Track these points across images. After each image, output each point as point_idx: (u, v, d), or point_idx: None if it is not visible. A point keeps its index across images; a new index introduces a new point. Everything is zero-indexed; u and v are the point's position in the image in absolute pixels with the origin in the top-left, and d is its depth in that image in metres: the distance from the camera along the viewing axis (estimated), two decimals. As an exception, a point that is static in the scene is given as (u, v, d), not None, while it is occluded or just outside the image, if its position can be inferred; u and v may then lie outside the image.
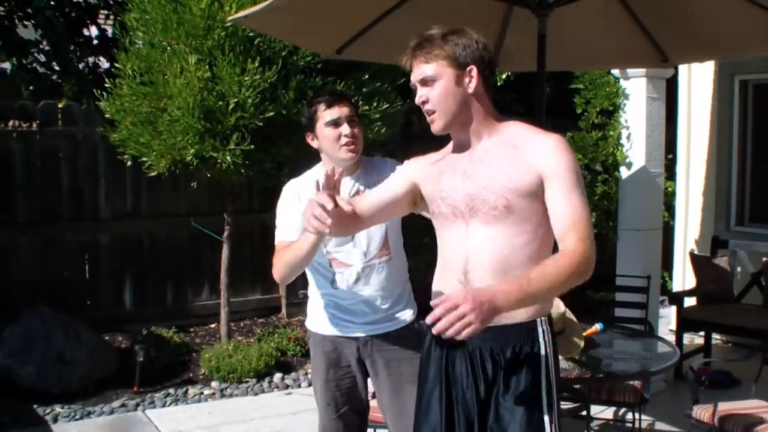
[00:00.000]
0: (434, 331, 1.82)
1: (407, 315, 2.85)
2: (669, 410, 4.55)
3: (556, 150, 2.05)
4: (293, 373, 5.51)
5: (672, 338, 5.21)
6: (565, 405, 3.67)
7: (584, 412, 3.88)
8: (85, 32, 7.42)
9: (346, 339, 2.81)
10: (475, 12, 3.55)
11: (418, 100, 2.15)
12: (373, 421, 3.12)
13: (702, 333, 5.72)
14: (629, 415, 4.36)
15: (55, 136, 5.83)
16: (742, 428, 3.34)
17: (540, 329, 2.14)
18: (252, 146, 4.80)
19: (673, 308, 5.79)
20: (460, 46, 2.09)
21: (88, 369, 5.09)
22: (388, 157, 3.01)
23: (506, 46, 4.08)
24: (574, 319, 3.20)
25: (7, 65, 7.14)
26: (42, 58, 7.12)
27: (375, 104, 5.13)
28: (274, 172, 5.18)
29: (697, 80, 6.36)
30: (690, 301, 5.80)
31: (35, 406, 4.77)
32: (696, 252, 6.10)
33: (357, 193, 2.71)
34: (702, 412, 3.53)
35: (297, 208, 2.48)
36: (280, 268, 2.66)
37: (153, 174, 5.17)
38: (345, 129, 2.70)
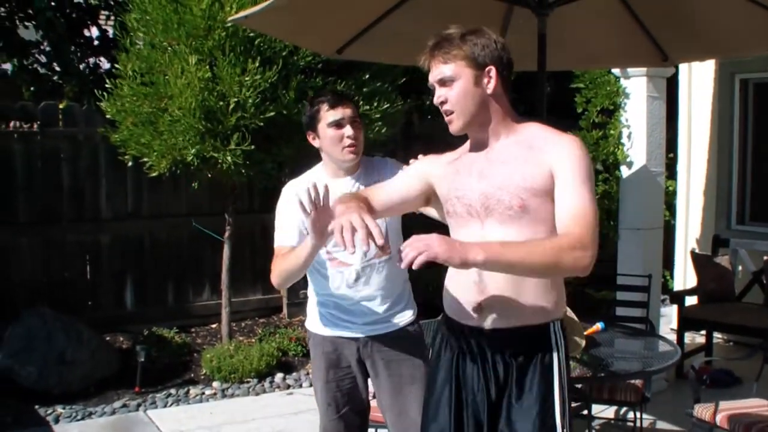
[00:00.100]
0: (402, 257, 1.84)
1: (407, 315, 2.85)
2: (670, 409, 4.55)
3: (570, 150, 2.04)
4: (294, 373, 5.51)
5: (673, 337, 5.21)
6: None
7: (585, 411, 3.88)
8: (86, 33, 7.42)
9: (346, 340, 2.81)
10: (475, 12, 3.55)
11: (436, 100, 2.14)
12: (373, 421, 3.11)
13: (703, 332, 5.73)
14: (630, 414, 4.36)
15: (56, 137, 5.84)
16: (744, 427, 3.34)
17: (552, 333, 2.13)
18: (252, 146, 4.81)
19: (674, 307, 5.79)
20: (478, 46, 2.07)
21: (89, 369, 5.10)
22: (389, 156, 3.02)
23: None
24: (576, 318, 3.20)
25: (8, 66, 7.15)
26: (43, 58, 7.12)
27: (375, 104, 5.13)
28: (275, 172, 5.19)
29: (698, 79, 6.36)
30: (691, 300, 5.80)
31: (36, 406, 4.78)
32: (697, 251, 6.10)
33: (357, 193, 2.71)
34: (703, 411, 3.53)
35: (296, 208, 2.48)
36: (277, 276, 2.69)
37: (154, 174, 5.18)
38: (348, 130, 2.70)
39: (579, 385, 3.71)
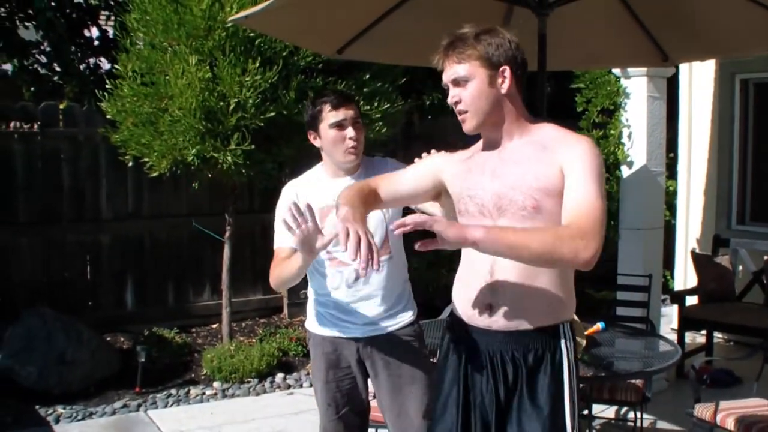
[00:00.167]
0: (402, 223, 1.84)
1: (407, 316, 2.85)
2: (671, 409, 4.55)
3: (582, 150, 2.03)
4: (295, 373, 5.51)
5: (673, 337, 5.21)
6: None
7: (586, 411, 3.88)
8: (86, 33, 7.42)
9: (345, 340, 2.81)
10: (476, 12, 3.54)
11: (450, 100, 2.12)
12: (374, 420, 3.11)
13: (704, 332, 5.73)
14: (631, 414, 4.36)
15: (57, 137, 5.84)
16: (744, 427, 3.34)
17: (562, 334, 2.13)
18: (253, 146, 4.81)
19: (675, 307, 5.79)
20: (493, 46, 2.06)
21: (90, 369, 5.10)
22: (389, 156, 3.02)
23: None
24: (576, 318, 3.19)
25: (8, 66, 7.15)
26: (43, 59, 7.12)
27: (376, 104, 5.13)
28: (275, 172, 5.19)
29: (698, 79, 6.36)
30: (691, 300, 5.80)
31: (37, 406, 4.78)
32: (697, 251, 6.10)
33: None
34: (703, 411, 3.53)
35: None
36: (274, 280, 2.71)
37: (154, 174, 5.18)
38: (350, 132, 2.70)
39: (579, 385, 3.70)
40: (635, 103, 5.24)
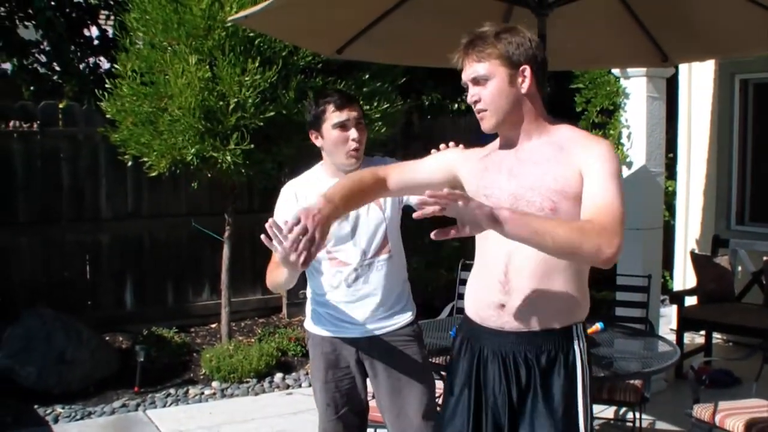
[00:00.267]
0: (424, 201, 1.76)
1: (407, 316, 2.84)
2: (670, 409, 4.55)
3: (600, 151, 2.02)
4: (294, 373, 5.51)
5: (672, 337, 5.21)
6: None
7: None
8: (86, 33, 7.42)
9: (344, 340, 2.80)
10: (475, 12, 3.54)
11: (470, 99, 2.11)
12: (373, 421, 3.11)
13: (703, 332, 5.72)
14: (630, 415, 4.36)
15: (56, 137, 5.84)
16: (743, 427, 3.34)
17: (575, 335, 2.12)
18: (252, 146, 4.81)
19: (674, 307, 5.79)
20: (513, 45, 2.04)
21: (89, 369, 5.10)
22: (389, 156, 3.01)
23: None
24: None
25: (7, 66, 7.15)
26: (43, 58, 7.12)
27: (375, 104, 5.14)
28: (275, 171, 5.19)
29: (698, 79, 6.36)
30: (691, 301, 5.80)
31: (36, 406, 4.78)
32: (697, 251, 6.10)
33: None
34: (702, 411, 3.53)
35: (295, 208, 2.47)
36: (269, 283, 2.69)
37: (153, 174, 5.18)
38: (353, 133, 2.70)
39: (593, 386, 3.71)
40: (635, 104, 5.24)
